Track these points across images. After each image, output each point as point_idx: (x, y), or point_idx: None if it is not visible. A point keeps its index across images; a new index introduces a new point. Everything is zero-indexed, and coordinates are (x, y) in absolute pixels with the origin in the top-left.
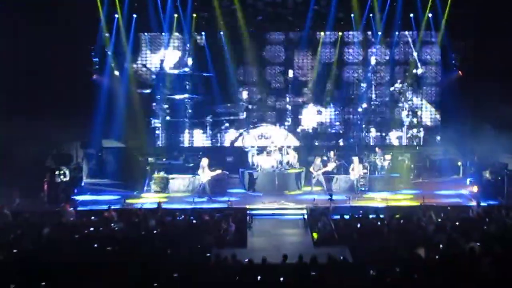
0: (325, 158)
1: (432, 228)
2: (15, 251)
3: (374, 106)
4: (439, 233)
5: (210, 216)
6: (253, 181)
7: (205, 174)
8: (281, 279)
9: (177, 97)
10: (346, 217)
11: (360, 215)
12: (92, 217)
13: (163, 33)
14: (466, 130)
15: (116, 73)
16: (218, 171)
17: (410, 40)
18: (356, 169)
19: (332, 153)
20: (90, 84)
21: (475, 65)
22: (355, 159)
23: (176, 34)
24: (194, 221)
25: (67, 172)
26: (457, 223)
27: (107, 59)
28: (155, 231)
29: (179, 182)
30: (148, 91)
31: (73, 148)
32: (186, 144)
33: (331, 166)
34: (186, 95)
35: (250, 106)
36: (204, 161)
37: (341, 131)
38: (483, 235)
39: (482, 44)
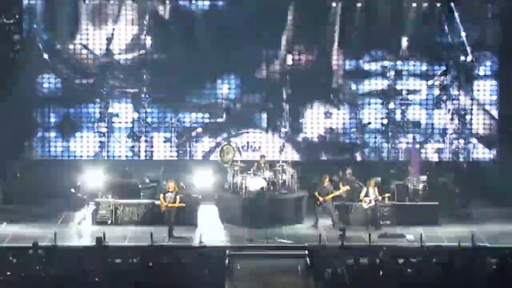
0: (336, 178)
1: None
2: None
3: (405, 106)
4: None
5: (174, 259)
6: (235, 210)
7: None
8: None
9: (131, 90)
10: (364, 261)
11: (384, 259)
12: (10, 258)
13: (111, 0)
14: None
15: (45, 56)
16: (182, 204)
17: (455, 13)
18: (372, 195)
19: (348, 172)
20: (8, 71)
21: None
22: (371, 181)
23: (129, 1)
24: (150, 264)
25: None
26: None
27: (33, 36)
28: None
29: (131, 210)
30: (89, 81)
31: None
32: (142, 156)
33: (344, 189)
34: (143, 89)
35: (232, 105)
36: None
37: (358, 141)
38: None
39: None
